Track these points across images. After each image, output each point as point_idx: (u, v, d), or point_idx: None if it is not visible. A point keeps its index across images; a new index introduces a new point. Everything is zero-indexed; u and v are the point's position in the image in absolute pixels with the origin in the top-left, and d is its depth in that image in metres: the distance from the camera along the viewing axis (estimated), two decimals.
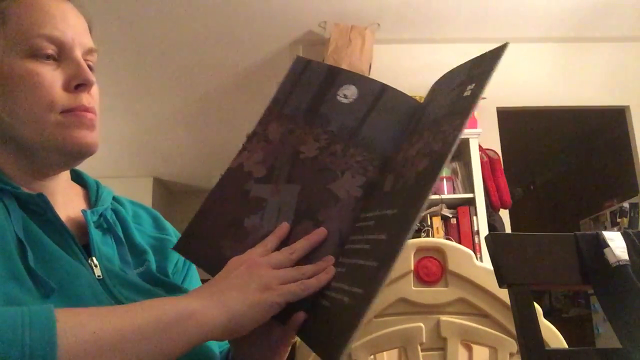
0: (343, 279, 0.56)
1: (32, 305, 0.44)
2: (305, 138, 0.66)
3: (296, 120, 0.68)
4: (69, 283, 0.57)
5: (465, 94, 0.57)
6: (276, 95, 0.71)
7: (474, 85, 0.57)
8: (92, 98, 0.67)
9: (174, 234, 0.80)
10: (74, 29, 0.67)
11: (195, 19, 3.25)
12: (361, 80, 0.69)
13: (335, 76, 0.69)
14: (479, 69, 0.58)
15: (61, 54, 0.66)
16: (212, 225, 0.65)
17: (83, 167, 0.73)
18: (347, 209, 0.61)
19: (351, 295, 0.53)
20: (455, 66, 0.64)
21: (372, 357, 1.23)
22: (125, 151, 5.25)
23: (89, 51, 0.69)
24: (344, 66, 3.08)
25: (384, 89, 0.67)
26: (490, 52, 0.59)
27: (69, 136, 0.64)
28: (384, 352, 1.18)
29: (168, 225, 0.82)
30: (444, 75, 0.66)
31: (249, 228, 0.63)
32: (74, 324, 0.45)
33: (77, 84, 0.65)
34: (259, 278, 0.55)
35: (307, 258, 0.60)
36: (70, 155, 0.66)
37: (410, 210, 0.53)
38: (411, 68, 3.28)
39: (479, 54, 0.60)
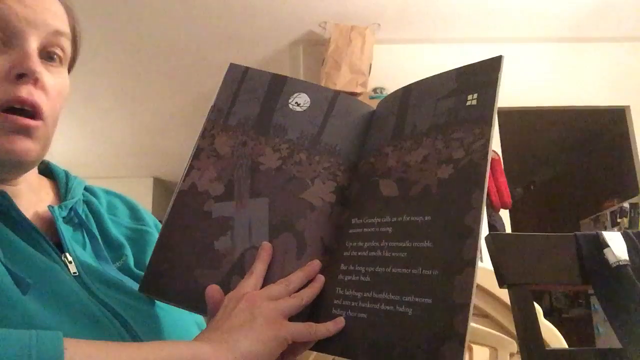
0: (370, 287, 0.55)
1: (41, 331, 0.42)
2: (261, 149, 0.64)
3: (246, 132, 0.66)
4: (44, 281, 0.54)
5: (469, 103, 0.58)
6: (217, 106, 0.68)
7: (476, 95, 0.57)
8: (42, 93, 0.58)
9: (153, 225, 0.76)
10: (31, 8, 0.57)
11: (195, 19, 3.25)
12: (311, 88, 0.68)
13: (282, 85, 0.68)
14: (475, 79, 0.59)
15: (10, 38, 0.56)
16: (180, 257, 0.60)
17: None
18: (325, 215, 0.61)
19: (414, 306, 0.51)
20: (444, 70, 0.63)
21: None
22: (125, 151, 5.25)
23: (55, 34, 0.59)
24: (344, 66, 3.08)
25: (335, 95, 0.68)
26: (481, 62, 0.59)
27: None
28: None
29: (147, 215, 0.77)
30: (413, 85, 0.65)
31: (222, 251, 0.60)
32: (83, 356, 0.43)
33: (18, 74, 0.56)
34: (261, 313, 0.52)
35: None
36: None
37: (457, 217, 0.52)
38: (411, 68, 3.27)
39: (467, 63, 0.61)
